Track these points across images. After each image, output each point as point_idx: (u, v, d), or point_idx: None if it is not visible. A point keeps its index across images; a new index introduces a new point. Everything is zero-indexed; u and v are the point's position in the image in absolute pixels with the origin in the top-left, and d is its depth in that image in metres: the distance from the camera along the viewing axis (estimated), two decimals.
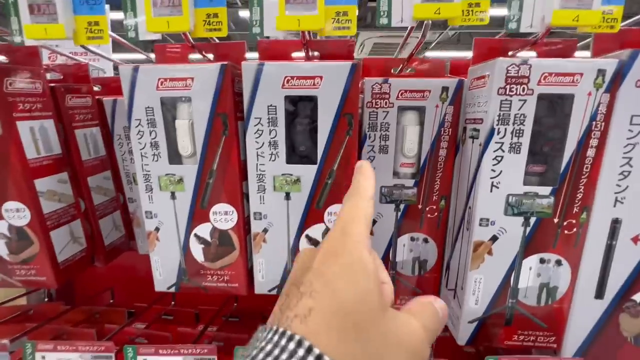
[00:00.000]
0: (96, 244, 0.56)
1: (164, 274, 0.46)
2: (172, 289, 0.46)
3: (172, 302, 0.70)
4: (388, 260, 0.52)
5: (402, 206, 0.50)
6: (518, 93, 0.37)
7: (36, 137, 0.45)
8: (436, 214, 0.50)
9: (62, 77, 0.54)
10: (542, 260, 0.41)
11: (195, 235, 0.44)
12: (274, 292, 0.45)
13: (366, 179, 0.25)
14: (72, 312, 0.63)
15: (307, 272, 0.19)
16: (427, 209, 0.49)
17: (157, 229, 0.44)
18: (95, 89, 0.56)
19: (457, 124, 0.46)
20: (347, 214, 0.22)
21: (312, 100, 0.40)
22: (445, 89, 0.45)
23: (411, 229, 0.50)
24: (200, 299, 0.67)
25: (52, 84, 0.48)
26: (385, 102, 0.45)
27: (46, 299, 0.72)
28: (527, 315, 0.43)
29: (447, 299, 0.50)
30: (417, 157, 0.48)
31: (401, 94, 0.45)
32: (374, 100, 0.45)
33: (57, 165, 0.48)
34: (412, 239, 0.51)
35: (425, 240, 0.51)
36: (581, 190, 0.39)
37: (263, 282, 0.45)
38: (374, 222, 0.50)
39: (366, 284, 0.18)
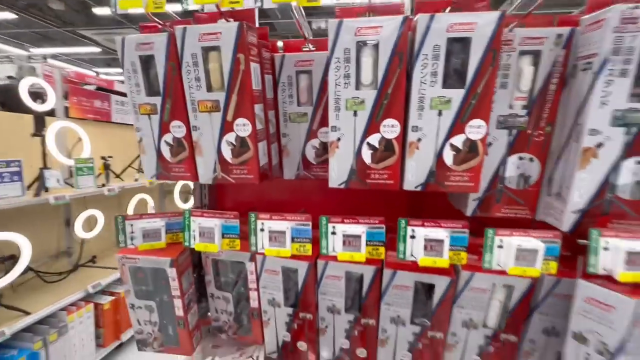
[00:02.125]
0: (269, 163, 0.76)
1: (338, 173, 0.64)
2: (342, 186, 0.65)
3: None
4: (498, 176, 0.67)
5: (514, 131, 0.64)
6: (629, 31, 0.50)
7: (256, 74, 0.65)
8: (542, 137, 0.64)
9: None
10: (638, 162, 0.54)
11: (368, 143, 0.61)
12: (419, 188, 0.62)
13: None
14: None
15: None
16: (535, 133, 0.64)
17: (338, 139, 0.63)
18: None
19: (566, 64, 0.59)
20: None
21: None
22: (559, 35, 0.58)
23: (520, 149, 0.65)
24: None
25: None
26: (509, 47, 0.60)
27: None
28: (623, 207, 0.56)
29: (550, 204, 0.64)
30: (529, 92, 0.62)
31: (523, 40, 0.59)
32: (501, 45, 0.59)
33: (264, 97, 0.68)
34: (520, 158, 0.65)
35: (531, 160, 0.65)
36: None
37: (411, 180, 0.62)
38: (489, 144, 0.66)
39: None
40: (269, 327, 0.81)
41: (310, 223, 0.64)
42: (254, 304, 0.80)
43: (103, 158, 2.41)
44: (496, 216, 0.68)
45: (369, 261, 0.66)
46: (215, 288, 0.83)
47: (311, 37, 0.78)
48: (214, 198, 0.96)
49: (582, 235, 0.58)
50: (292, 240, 0.65)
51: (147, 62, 0.68)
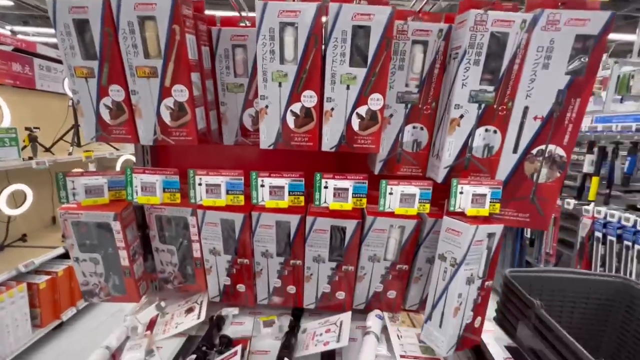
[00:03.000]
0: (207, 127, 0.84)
1: (267, 136, 0.76)
2: (271, 147, 0.77)
3: None
4: (398, 141, 0.84)
5: (409, 105, 0.81)
6: (480, 31, 0.68)
7: (192, 45, 0.72)
8: (430, 111, 0.81)
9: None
10: (486, 130, 0.74)
11: (291, 111, 0.73)
12: (333, 149, 0.76)
13: None
14: None
15: None
16: (424, 107, 0.81)
17: (266, 107, 0.74)
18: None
19: (446, 53, 0.77)
20: None
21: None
22: (441, 30, 0.75)
23: (414, 120, 0.82)
24: None
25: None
26: (404, 37, 0.75)
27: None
28: (476, 164, 0.77)
29: (433, 163, 0.83)
30: (420, 74, 0.79)
31: (415, 32, 0.75)
32: (397, 35, 0.74)
33: (201, 67, 0.76)
34: (414, 127, 0.83)
35: (422, 129, 0.83)
36: (509, 88, 0.71)
37: (327, 143, 0.76)
38: (391, 115, 0.82)
39: None
40: (211, 274, 0.92)
41: (242, 178, 0.76)
42: (196, 254, 0.90)
43: (28, 129, 2.21)
44: (397, 174, 0.86)
45: (293, 210, 0.80)
46: (159, 242, 0.91)
47: (247, 14, 0.86)
48: (156, 162, 1.02)
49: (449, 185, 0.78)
50: (227, 192, 0.76)
51: (81, 25, 0.71)
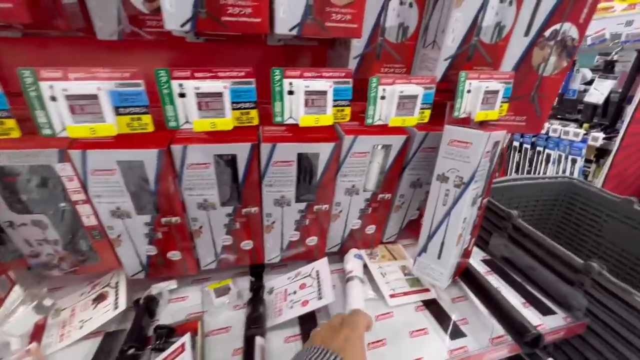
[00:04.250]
0: None
1: (178, 8, 0.42)
2: (187, 26, 0.44)
3: None
4: (379, 26, 0.59)
5: None
6: None
7: None
8: None
9: None
10: (501, 0, 0.54)
11: None
12: (295, 30, 0.48)
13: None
14: None
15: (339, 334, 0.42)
16: None
17: None
18: None
19: None
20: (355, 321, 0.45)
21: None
22: None
23: None
24: None
25: None
26: None
27: None
28: (482, 52, 0.58)
29: (425, 56, 0.62)
30: None
31: None
32: None
33: None
34: (401, 2, 0.58)
35: (411, 5, 0.59)
36: None
37: (285, 19, 0.47)
38: None
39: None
40: (123, 245, 0.62)
41: (141, 82, 0.42)
42: (88, 221, 0.58)
43: None
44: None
45: (239, 134, 0.52)
46: (13, 212, 0.55)
47: None
48: None
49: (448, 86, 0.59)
50: (117, 112, 0.43)
51: None
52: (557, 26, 0.59)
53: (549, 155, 2.05)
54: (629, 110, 1.62)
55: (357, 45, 0.60)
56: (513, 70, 0.62)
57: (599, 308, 0.63)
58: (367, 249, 0.82)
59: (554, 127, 2.01)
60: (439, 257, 0.63)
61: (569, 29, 0.59)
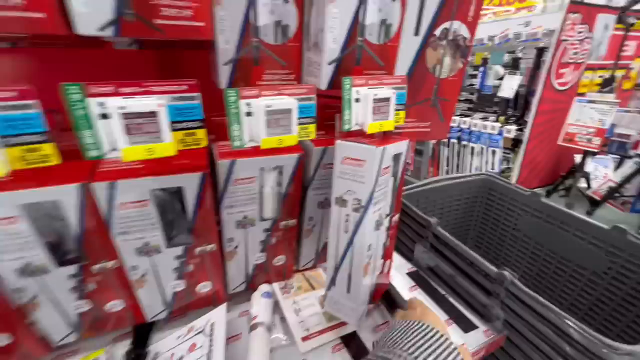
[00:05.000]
0: None
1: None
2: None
3: None
4: (249, 24, 0.48)
5: None
6: None
7: None
8: None
9: None
10: None
11: None
12: (110, 32, 0.35)
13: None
14: None
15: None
16: None
17: None
18: None
19: None
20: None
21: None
22: None
23: None
24: None
25: None
26: None
27: None
28: (371, 54, 0.51)
29: (310, 60, 0.53)
30: None
31: None
32: None
33: None
34: None
35: (286, 0, 0.49)
36: None
37: (86, 14, 0.33)
38: None
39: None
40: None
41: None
42: None
43: None
44: (257, 85, 0.53)
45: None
46: None
47: None
48: None
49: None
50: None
51: None
52: (447, 24, 0.54)
53: (473, 149, 2.17)
54: (534, 102, 1.76)
55: (227, 48, 0.49)
56: (408, 73, 0.56)
57: (514, 319, 0.60)
58: (281, 281, 0.71)
59: (474, 122, 2.12)
60: (348, 290, 0.55)
61: (459, 28, 0.55)
